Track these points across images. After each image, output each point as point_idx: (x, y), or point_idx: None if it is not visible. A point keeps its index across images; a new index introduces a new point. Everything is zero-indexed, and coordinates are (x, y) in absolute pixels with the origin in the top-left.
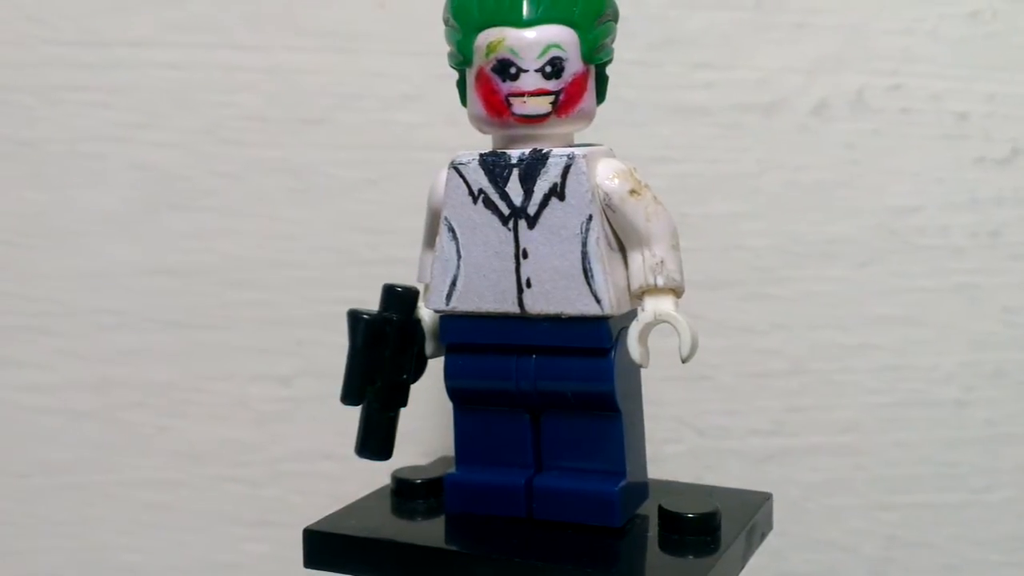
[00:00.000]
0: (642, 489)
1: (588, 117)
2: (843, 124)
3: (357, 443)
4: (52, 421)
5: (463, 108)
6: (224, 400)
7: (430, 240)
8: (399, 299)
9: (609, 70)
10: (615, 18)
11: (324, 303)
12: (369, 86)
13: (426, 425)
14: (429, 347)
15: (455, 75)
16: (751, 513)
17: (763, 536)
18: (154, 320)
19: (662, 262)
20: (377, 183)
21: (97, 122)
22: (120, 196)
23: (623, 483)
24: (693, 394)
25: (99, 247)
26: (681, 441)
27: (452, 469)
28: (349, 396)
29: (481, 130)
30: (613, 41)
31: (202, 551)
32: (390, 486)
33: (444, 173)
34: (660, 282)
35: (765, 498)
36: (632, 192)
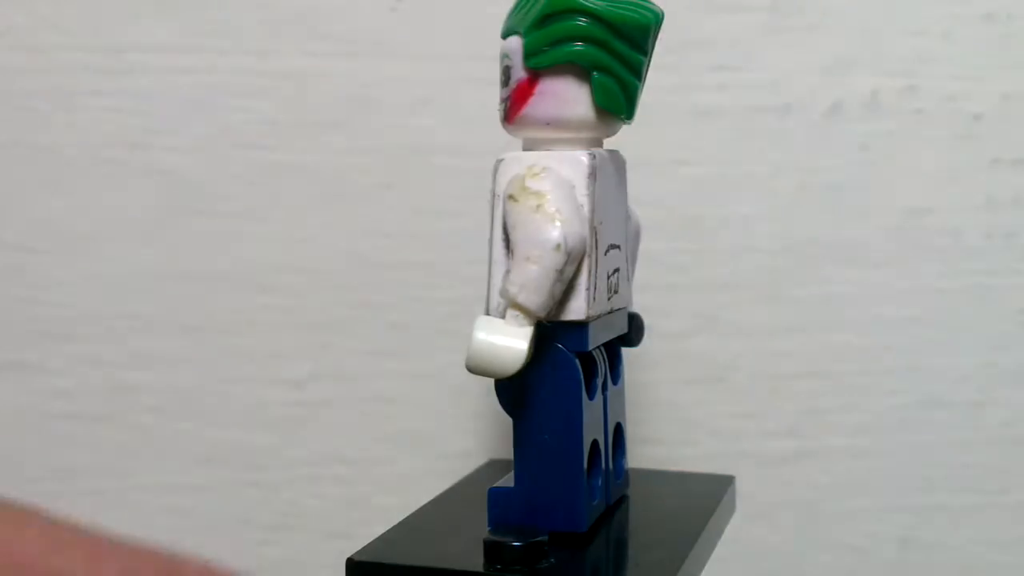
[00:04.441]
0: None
1: (545, 123)
2: (857, 125)
3: None
4: (69, 426)
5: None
6: (241, 404)
7: None
8: None
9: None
10: (582, 17)
11: (341, 307)
12: (386, 90)
13: (441, 428)
14: None
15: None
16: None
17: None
18: (171, 324)
19: (508, 272)
20: (394, 187)
21: (115, 128)
22: (138, 201)
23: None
24: (708, 396)
25: (116, 252)
26: (696, 444)
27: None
28: None
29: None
30: (593, 40)
31: (218, 555)
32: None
33: None
34: (499, 293)
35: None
36: (510, 197)
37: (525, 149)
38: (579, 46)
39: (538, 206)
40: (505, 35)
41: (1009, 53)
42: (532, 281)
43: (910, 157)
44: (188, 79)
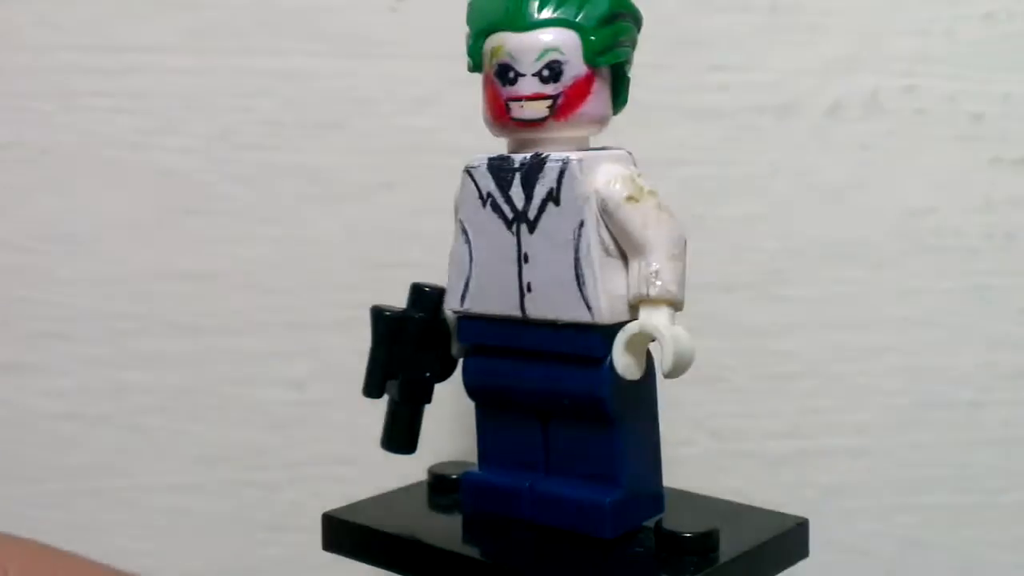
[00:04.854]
0: (651, 501)
1: (596, 121)
2: (857, 125)
3: (383, 437)
4: (68, 426)
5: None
6: (240, 404)
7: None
8: (424, 298)
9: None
10: (631, 19)
11: (341, 307)
12: (385, 90)
13: (440, 428)
14: (454, 347)
15: (471, 79)
16: (761, 536)
17: (783, 562)
18: (171, 324)
19: (657, 272)
20: (394, 187)
21: (115, 128)
22: (137, 201)
23: (618, 494)
24: (708, 396)
25: (116, 252)
26: (696, 444)
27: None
28: (368, 389)
29: (494, 134)
30: (631, 43)
31: (219, 555)
32: (427, 480)
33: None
34: (652, 292)
35: (795, 522)
36: (629, 198)
37: (576, 148)
38: (628, 47)
39: (658, 204)
40: (533, 26)
41: (1009, 53)
42: (682, 277)
43: (910, 157)
44: (188, 79)
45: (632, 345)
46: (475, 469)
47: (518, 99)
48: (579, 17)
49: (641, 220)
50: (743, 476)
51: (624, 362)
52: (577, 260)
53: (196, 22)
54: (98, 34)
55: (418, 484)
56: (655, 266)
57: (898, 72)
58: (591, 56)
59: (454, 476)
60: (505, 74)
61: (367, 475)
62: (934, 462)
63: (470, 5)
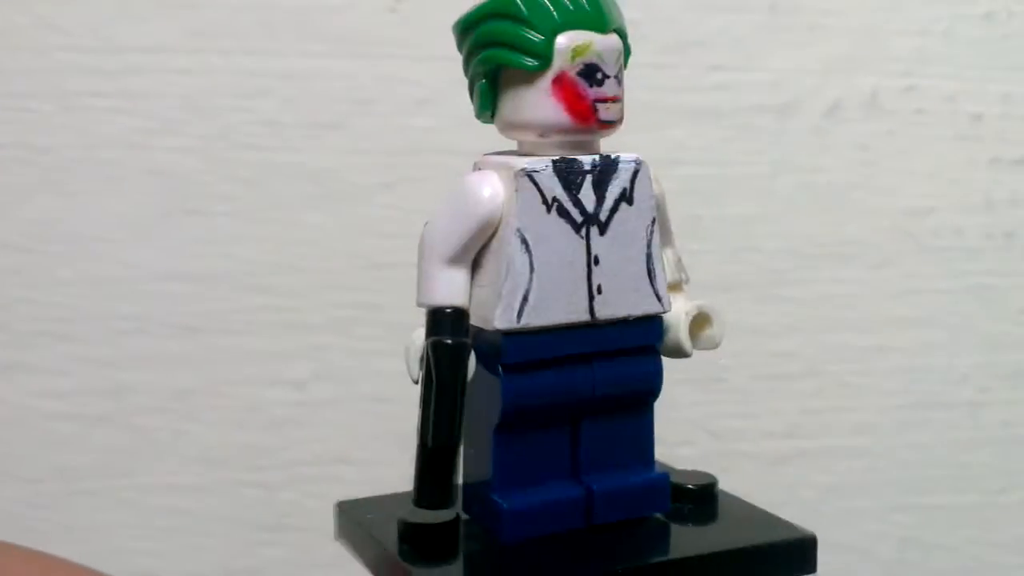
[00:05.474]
0: None
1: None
2: (857, 125)
3: (422, 495)
4: (67, 427)
5: (484, 112)
6: (240, 404)
7: (464, 257)
8: (453, 320)
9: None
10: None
11: (340, 307)
12: (385, 90)
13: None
14: (471, 372)
15: (482, 78)
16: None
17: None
18: (170, 325)
19: (679, 259)
20: (393, 187)
21: (114, 128)
22: (136, 202)
23: (660, 470)
24: (707, 396)
25: (115, 253)
26: (695, 443)
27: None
28: (451, 439)
29: (541, 136)
30: None
31: (219, 555)
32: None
33: (496, 180)
34: (685, 277)
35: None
36: (662, 193)
37: (597, 150)
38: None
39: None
40: (611, 28)
41: (1009, 53)
42: None
43: (909, 157)
44: (188, 79)
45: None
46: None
47: (605, 100)
48: (622, 24)
49: (667, 213)
50: (743, 476)
51: (691, 344)
52: (649, 255)
53: (196, 22)
54: (98, 34)
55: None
56: (679, 254)
57: (898, 72)
58: (627, 62)
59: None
60: (593, 74)
61: (367, 475)
62: (933, 462)
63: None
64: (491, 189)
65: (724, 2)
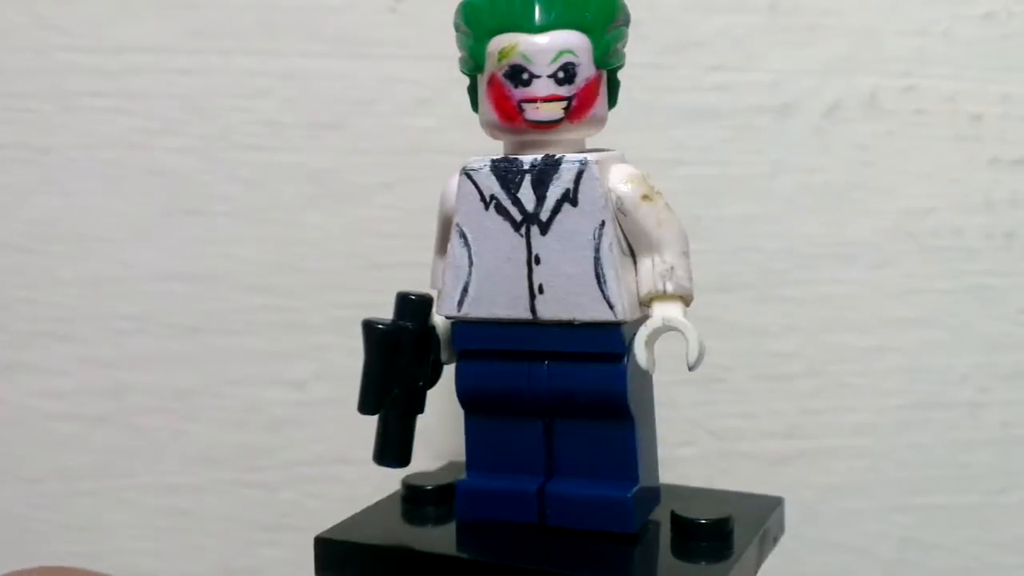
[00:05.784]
0: (655, 494)
1: (600, 122)
2: (856, 126)
3: (376, 452)
4: (67, 426)
5: (475, 113)
6: (240, 404)
7: (442, 246)
8: (413, 307)
9: (621, 74)
10: (627, 23)
11: (340, 307)
12: (384, 91)
13: (439, 428)
14: (444, 353)
15: (468, 80)
16: (763, 518)
17: (775, 540)
18: (170, 325)
19: (672, 268)
20: (393, 187)
21: (114, 128)
22: (136, 202)
23: (636, 488)
24: (707, 397)
25: (115, 253)
26: (695, 444)
27: (462, 475)
28: (366, 406)
29: (494, 136)
30: (625, 46)
31: (218, 555)
32: (400, 492)
33: (455, 179)
34: (670, 288)
35: (777, 502)
36: (644, 197)
37: (576, 149)
38: (625, 51)
39: (666, 204)
40: (547, 27)
41: (1009, 53)
42: (691, 272)
43: (909, 157)
44: (188, 79)
45: (651, 340)
46: (462, 477)
47: (532, 100)
48: (589, 20)
49: (655, 218)
50: (742, 476)
51: (647, 357)
52: (597, 259)
53: (196, 22)
54: (98, 34)
55: (389, 497)
56: (670, 263)
57: (897, 72)
58: (601, 58)
59: (429, 487)
60: (518, 75)
61: (367, 475)
62: (933, 462)
63: (467, 5)
64: (449, 188)
65: (724, 2)
